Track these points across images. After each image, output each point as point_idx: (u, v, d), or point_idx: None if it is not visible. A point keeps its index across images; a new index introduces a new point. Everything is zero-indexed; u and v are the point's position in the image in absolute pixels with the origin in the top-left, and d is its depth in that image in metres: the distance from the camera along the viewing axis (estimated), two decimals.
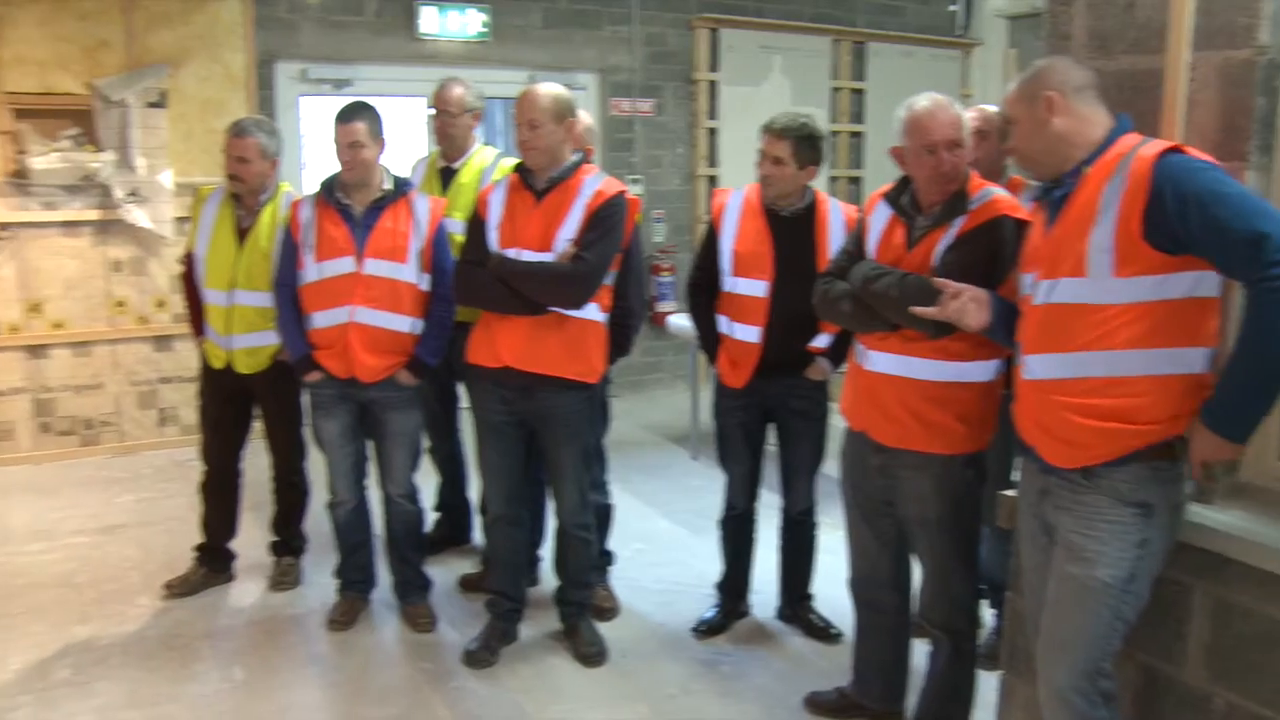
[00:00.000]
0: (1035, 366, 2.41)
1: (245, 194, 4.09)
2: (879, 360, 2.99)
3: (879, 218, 3.07)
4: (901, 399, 2.96)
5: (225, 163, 4.07)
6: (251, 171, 4.05)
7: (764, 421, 3.93)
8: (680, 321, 6.30)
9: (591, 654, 3.86)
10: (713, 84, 7.85)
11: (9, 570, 4.65)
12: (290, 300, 3.91)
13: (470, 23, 6.95)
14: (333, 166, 3.87)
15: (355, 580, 4.20)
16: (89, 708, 3.55)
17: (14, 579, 4.56)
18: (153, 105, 6.10)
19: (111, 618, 4.19)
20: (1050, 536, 2.50)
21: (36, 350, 6.16)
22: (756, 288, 3.71)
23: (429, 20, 6.82)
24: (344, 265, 3.81)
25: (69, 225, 6.10)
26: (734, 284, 3.77)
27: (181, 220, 6.14)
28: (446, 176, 4.39)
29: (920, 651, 3.37)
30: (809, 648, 3.99)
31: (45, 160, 5.93)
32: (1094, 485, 2.34)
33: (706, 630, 4.08)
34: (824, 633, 4.03)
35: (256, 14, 6.29)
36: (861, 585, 3.33)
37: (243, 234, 4.10)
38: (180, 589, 4.38)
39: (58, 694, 3.64)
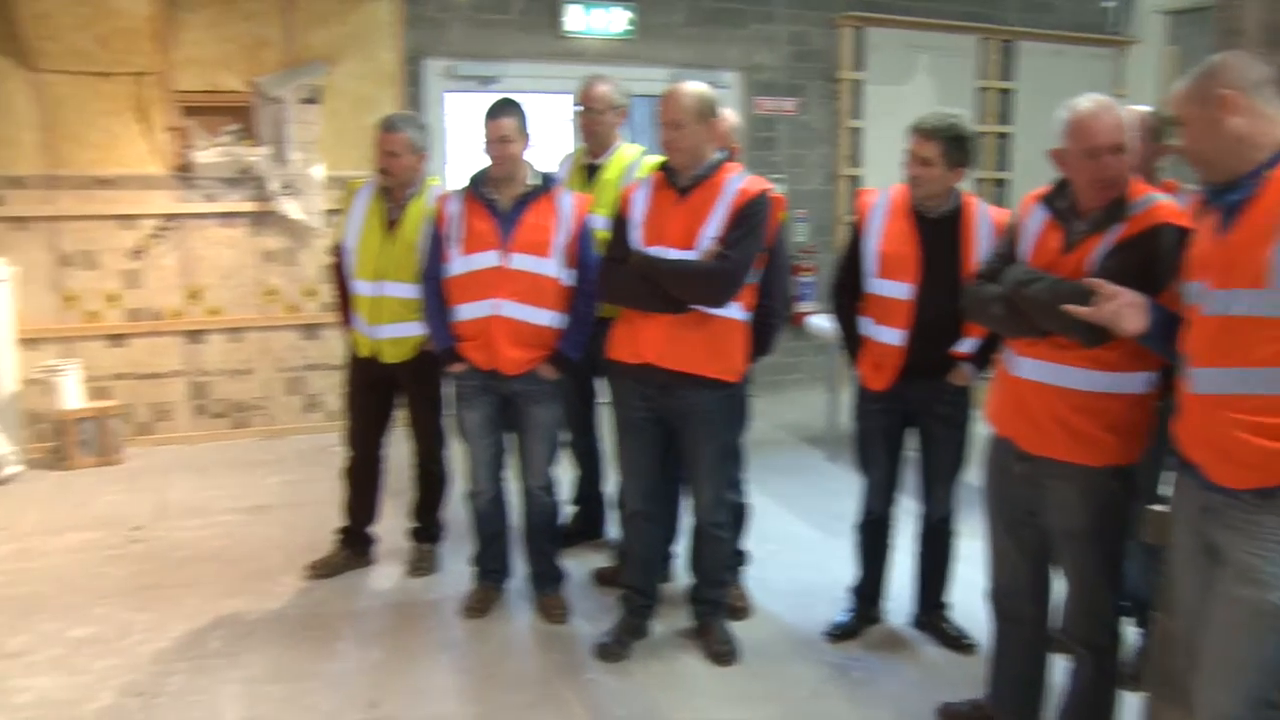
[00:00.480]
0: (1204, 380, 2.31)
1: (394, 187, 4.20)
2: (1028, 367, 2.91)
3: (1034, 221, 2.98)
4: (1049, 407, 2.87)
5: (375, 157, 4.18)
6: (400, 165, 4.15)
7: (904, 426, 3.87)
8: (820, 322, 6.25)
9: (723, 653, 3.86)
10: (857, 83, 7.75)
11: (169, 544, 4.88)
12: (436, 292, 3.99)
13: (615, 20, 7.00)
14: (479, 161, 3.95)
15: (491, 569, 4.27)
16: (237, 678, 3.70)
17: (173, 552, 4.78)
18: (307, 101, 6.31)
19: (258, 594, 4.35)
20: (1212, 557, 2.38)
21: (195, 335, 6.43)
22: (900, 290, 3.65)
23: (574, 18, 6.90)
24: (489, 259, 3.87)
25: (227, 216, 6.36)
26: (878, 286, 3.71)
27: (331, 212, 6.35)
28: (591, 173, 4.43)
29: (1058, 668, 3.27)
30: (943, 657, 3.92)
31: (208, 154, 6.18)
32: (1271, 506, 2.22)
33: (839, 634, 4.03)
34: (959, 643, 3.95)
35: (407, 13, 6.45)
36: (1001, 596, 3.24)
37: (391, 226, 4.20)
38: (322, 570, 4.52)
39: (210, 663, 3.79)
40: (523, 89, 6.49)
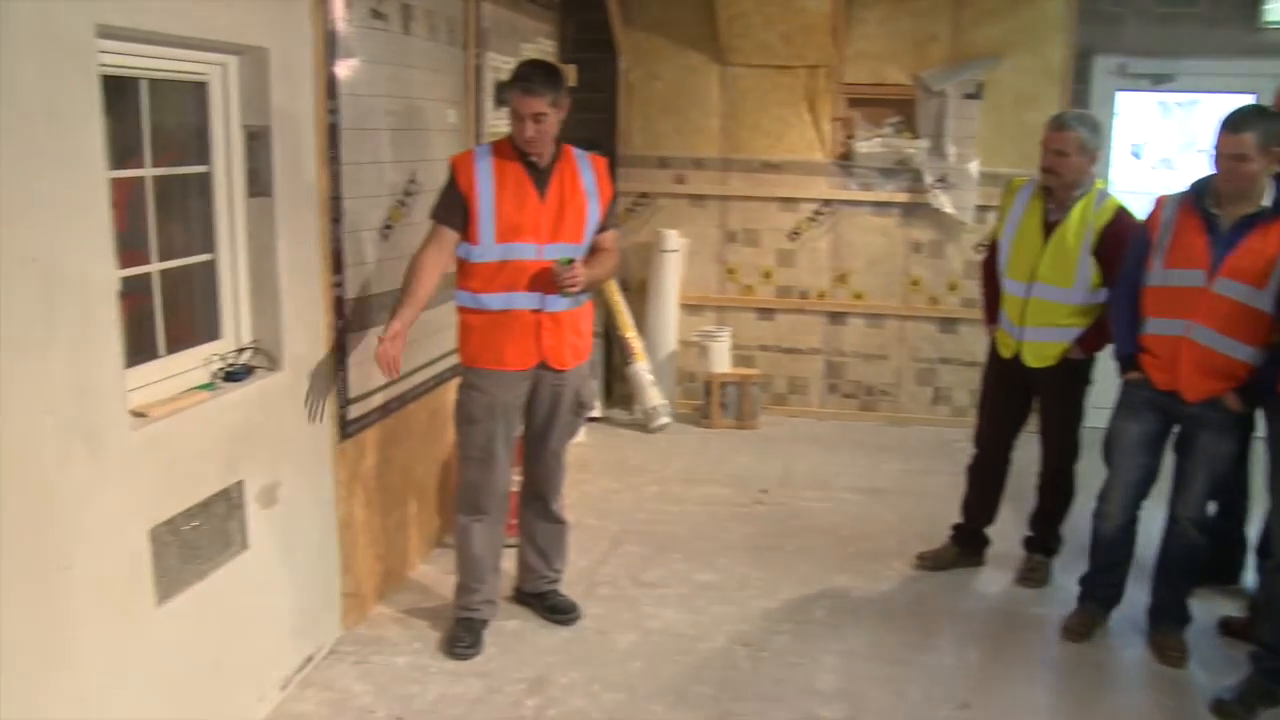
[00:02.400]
0: None
1: (1058, 188, 4.05)
2: None
3: None
4: None
5: (1041, 155, 4.05)
6: (1068, 165, 3.98)
7: None
8: None
9: None
10: None
11: (789, 510, 5.18)
12: (1128, 295, 3.75)
13: None
14: (1201, 171, 3.66)
15: (1100, 596, 4.02)
16: (836, 649, 3.84)
17: (791, 519, 5.07)
18: (969, 97, 6.31)
19: (866, 573, 4.48)
20: None
21: (836, 317, 6.74)
22: None
23: None
24: (1193, 278, 3.55)
25: (880, 205, 6.56)
26: None
27: (982, 209, 6.32)
28: None
29: None
30: None
31: (868, 145, 6.42)
32: None
33: None
34: None
35: (1080, 7, 6.20)
36: None
37: (1049, 228, 4.06)
38: (931, 562, 4.54)
39: (813, 630, 3.98)
40: (1202, 88, 6.02)
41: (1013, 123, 6.29)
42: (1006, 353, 4.24)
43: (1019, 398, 4.35)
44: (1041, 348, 4.13)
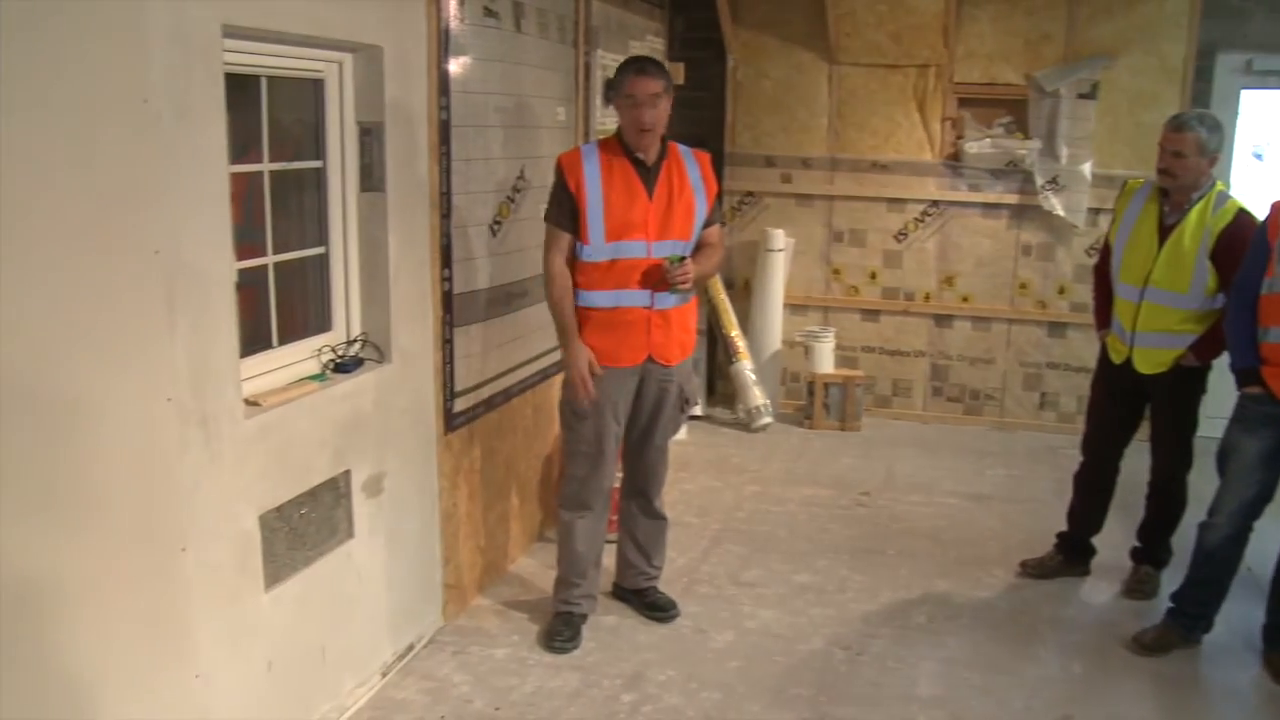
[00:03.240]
0: None
1: (1174, 190, 3.93)
2: None
3: None
4: None
5: (1158, 156, 3.94)
6: (1185, 167, 3.86)
7: None
8: None
9: None
10: None
11: (890, 514, 5.13)
12: (1246, 305, 3.60)
13: None
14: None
15: (1188, 613, 3.86)
16: (936, 655, 3.79)
17: (892, 523, 5.02)
18: (1083, 96, 6.17)
19: (968, 580, 4.41)
20: None
21: (942, 320, 6.64)
22: None
23: None
24: None
25: (989, 207, 6.45)
26: None
27: (1095, 211, 6.18)
28: None
29: None
30: None
31: (978, 145, 6.31)
32: None
33: None
34: None
35: (1203, 2, 6.00)
36: None
37: (1165, 232, 3.95)
38: (1035, 570, 4.46)
39: (912, 635, 3.93)
40: None
41: (1128, 123, 6.13)
42: (1117, 358, 4.14)
43: (1129, 405, 4.24)
44: (1154, 354, 4.01)
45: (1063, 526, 4.50)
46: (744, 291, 6.77)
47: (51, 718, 2.21)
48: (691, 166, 3.70)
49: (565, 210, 3.59)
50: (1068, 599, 4.30)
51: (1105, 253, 4.22)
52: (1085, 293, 4.51)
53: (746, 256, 6.75)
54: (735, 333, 6.45)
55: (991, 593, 4.32)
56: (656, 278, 3.57)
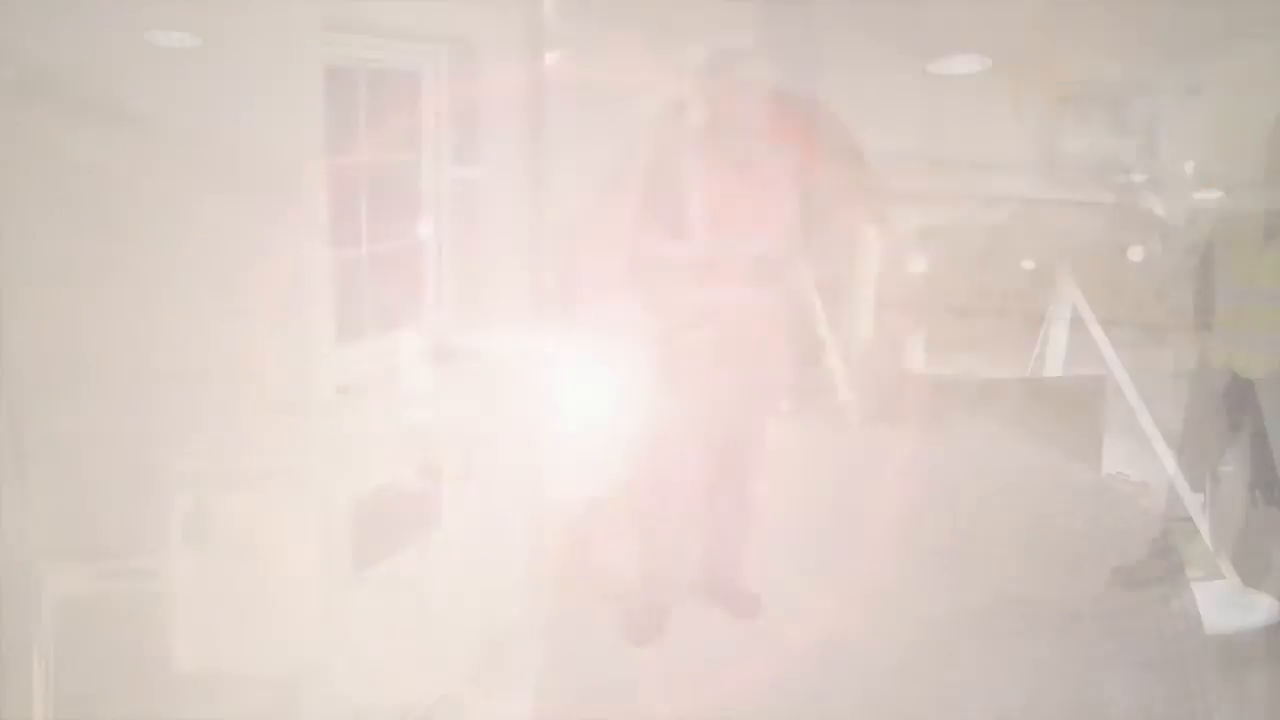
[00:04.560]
0: None
1: None
2: None
3: None
4: None
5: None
6: None
7: None
8: None
9: None
10: None
11: (979, 514, 5.03)
12: None
13: None
14: None
15: None
16: (1025, 659, 3.74)
17: (981, 523, 4.91)
18: (1186, 93, 6.02)
19: (1058, 584, 4.29)
20: None
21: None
22: None
23: None
24: None
25: (1084, 206, 6.31)
26: None
27: (1198, 213, 6.02)
28: None
29: None
30: None
31: (1075, 143, 6.19)
32: None
33: None
34: None
35: None
36: None
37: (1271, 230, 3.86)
38: (1128, 577, 4.34)
39: (1000, 640, 3.88)
40: None
41: (1235, 121, 5.96)
42: (1218, 362, 4.05)
43: (1230, 409, 4.14)
44: (1259, 357, 3.92)
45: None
46: (834, 287, 6.71)
47: None
48: (783, 160, 3.69)
49: (658, 204, 3.60)
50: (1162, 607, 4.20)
51: (1207, 253, 4.17)
52: (1185, 294, 4.38)
53: (836, 253, 6.70)
54: (824, 329, 6.39)
55: (1083, 598, 4.21)
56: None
